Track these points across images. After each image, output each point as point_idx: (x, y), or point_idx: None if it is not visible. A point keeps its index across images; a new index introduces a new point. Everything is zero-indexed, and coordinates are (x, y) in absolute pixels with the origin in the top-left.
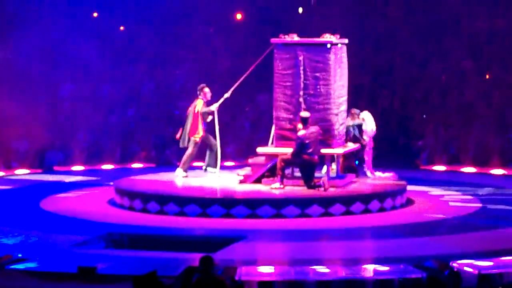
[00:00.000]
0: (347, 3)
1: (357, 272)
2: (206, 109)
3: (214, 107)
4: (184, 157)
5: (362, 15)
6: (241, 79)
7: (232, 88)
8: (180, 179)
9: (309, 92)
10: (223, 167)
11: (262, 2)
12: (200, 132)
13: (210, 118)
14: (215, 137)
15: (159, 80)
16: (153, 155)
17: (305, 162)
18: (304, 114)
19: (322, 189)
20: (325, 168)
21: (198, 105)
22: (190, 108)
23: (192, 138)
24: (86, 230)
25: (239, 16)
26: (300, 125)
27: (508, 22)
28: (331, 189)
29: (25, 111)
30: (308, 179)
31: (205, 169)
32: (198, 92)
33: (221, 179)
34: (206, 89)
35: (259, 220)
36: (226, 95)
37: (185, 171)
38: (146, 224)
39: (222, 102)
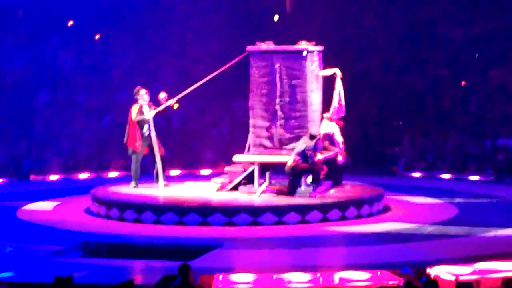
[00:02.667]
0: (323, 11)
1: (334, 279)
2: (140, 118)
3: (150, 115)
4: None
5: (339, 23)
6: (195, 86)
7: (178, 96)
8: (135, 190)
9: (286, 99)
10: (199, 175)
11: (239, 9)
12: (138, 140)
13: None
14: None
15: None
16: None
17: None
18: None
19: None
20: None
21: (134, 111)
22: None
23: (130, 148)
24: (63, 239)
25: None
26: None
27: (484, 30)
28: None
29: (0, 119)
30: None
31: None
32: (135, 97)
33: (198, 187)
34: (142, 91)
35: (236, 228)
36: (171, 101)
37: (135, 182)
38: (123, 232)
39: (165, 109)
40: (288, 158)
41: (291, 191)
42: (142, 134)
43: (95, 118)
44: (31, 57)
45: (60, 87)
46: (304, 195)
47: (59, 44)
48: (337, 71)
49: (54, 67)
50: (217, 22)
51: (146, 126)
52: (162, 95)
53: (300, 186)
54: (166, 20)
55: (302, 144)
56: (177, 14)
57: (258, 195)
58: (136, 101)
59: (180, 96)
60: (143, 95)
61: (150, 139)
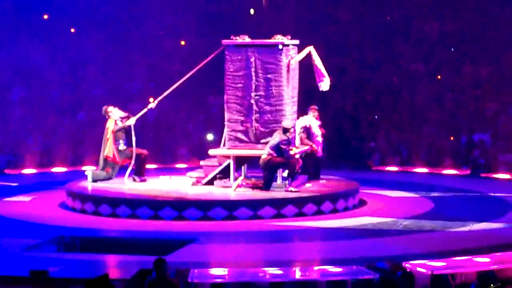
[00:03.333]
0: (298, 5)
1: (309, 273)
2: (120, 126)
3: (131, 121)
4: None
5: (314, 18)
6: (176, 85)
7: (159, 98)
8: (111, 184)
9: (261, 93)
10: (174, 169)
11: (213, 3)
12: (116, 154)
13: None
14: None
15: (110, 83)
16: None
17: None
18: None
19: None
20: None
21: (110, 125)
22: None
23: (110, 162)
24: (38, 234)
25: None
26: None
27: (458, 24)
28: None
29: None
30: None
31: (133, 179)
32: (105, 116)
33: (173, 181)
34: (110, 109)
35: (211, 222)
36: (151, 104)
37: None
38: (98, 227)
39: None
40: (263, 152)
41: (266, 185)
42: (118, 149)
43: (69, 114)
44: (4, 52)
45: (34, 83)
46: (280, 189)
47: (32, 40)
48: (310, 48)
49: (27, 63)
50: (191, 17)
51: (122, 142)
52: (109, 109)
53: (275, 180)
54: (140, 15)
55: (276, 138)
56: (151, 8)
57: (233, 189)
58: (107, 120)
59: (161, 98)
60: (111, 112)
61: (128, 151)
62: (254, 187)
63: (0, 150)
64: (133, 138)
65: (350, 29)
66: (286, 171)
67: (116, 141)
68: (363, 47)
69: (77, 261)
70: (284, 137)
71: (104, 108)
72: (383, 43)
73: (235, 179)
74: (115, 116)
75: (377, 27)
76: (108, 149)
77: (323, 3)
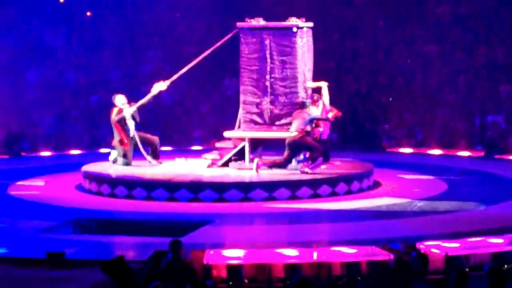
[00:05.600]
0: None
1: (324, 254)
2: (118, 117)
3: (128, 111)
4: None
5: (328, 0)
6: (188, 67)
7: (172, 79)
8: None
9: (276, 76)
10: (190, 151)
11: None
12: (125, 140)
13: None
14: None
15: (126, 66)
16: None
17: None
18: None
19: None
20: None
21: (113, 113)
22: None
23: (119, 148)
24: (54, 216)
25: None
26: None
27: (471, 7)
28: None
29: None
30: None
31: (149, 162)
32: (114, 103)
33: (188, 163)
34: (117, 97)
35: (227, 204)
36: (160, 88)
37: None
38: (114, 209)
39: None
40: (278, 134)
41: (285, 163)
42: (128, 135)
43: (84, 96)
44: (19, 35)
45: (49, 65)
46: (295, 171)
47: (47, 23)
48: (323, 84)
49: (42, 45)
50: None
51: (131, 129)
52: (114, 98)
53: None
54: None
55: (306, 114)
56: None
57: (254, 170)
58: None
59: (173, 78)
60: (119, 101)
61: (139, 137)
62: (271, 165)
63: (17, 133)
64: (132, 128)
65: (364, 10)
66: (302, 156)
67: (123, 129)
68: (376, 29)
69: (93, 242)
70: (312, 113)
71: (113, 96)
72: (396, 25)
73: (251, 160)
74: (119, 103)
75: (391, 8)
76: (115, 139)
77: None
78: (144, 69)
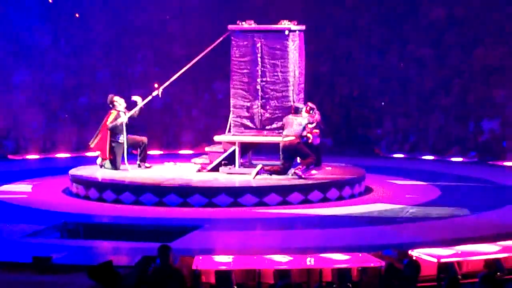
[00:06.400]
0: None
1: (315, 261)
2: (113, 124)
3: (124, 118)
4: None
5: (321, 2)
6: (181, 72)
7: (164, 86)
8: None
9: (267, 79)
10: (179, 156)
11: None
12: (107, 148)
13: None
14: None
15: (115, 67)
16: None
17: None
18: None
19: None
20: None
21: (110, 117)
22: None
23: (99, 157)
24: (41, 220)
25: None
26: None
27: (467, 9)
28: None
29: None
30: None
31: (139, 165)
32: (109, 105)
33: (178, 167)
34: (117, 98)
35: (216, 209)
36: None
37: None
38: (101, 213)
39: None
40: (271, 139)
41: (285, 170)
42: (115, 141)
43: (72, 98)
44: (6, 35)
45: (38, 66)
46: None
47: (38, 22)
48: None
49: (30, 46)
50: (196, 1)
51: (122, 136)
52: (115, 99)
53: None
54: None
55: (301, 119)
56: None
57: (252, 177)
58: (111, 109)
59: (165, 85)
60: (118, 101)
61: (130, 140)
62: (272, 172)
63: (3, 135)
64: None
65: (357, 12)
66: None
67: (113, 135)
68: (370, 31)
69: (81, 247)
70: (309, 117)
71: (110, 96)
72: (390, 27)
73: (240, 165)
74: (120, 107)
75: (385, 11)
76: (98, 142)
77: None
78: (133, 70)
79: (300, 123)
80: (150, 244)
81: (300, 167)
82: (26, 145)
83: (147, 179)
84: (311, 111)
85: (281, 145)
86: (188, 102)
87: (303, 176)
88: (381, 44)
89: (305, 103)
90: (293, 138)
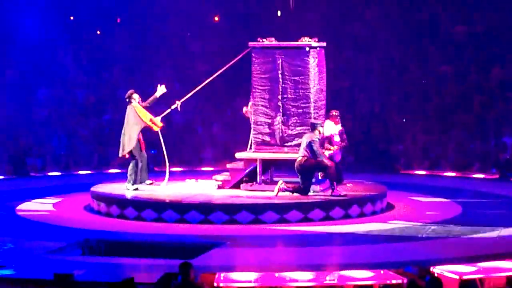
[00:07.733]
0: (325, 7)
1: (337, 278)
2: (155, 119)
3: (159, 122)
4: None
5: (341, 19)
6: (201, 86)
7: (184, 98)
8: (134, 192)
9: (288, 96)
10: (200, 172)
11: (240, 5)
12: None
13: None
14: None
15: (136, 84)
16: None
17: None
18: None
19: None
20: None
21: (142, 113)
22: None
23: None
24: (63, 237)
25: (216, 19)
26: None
27: (486, 26)
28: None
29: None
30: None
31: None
32: (128, 100)
33: (199, 184)
34: (135, 95)
35: (237, 226)
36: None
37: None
38: (123, 230)
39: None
40: (289, 155)
41: (305, 189)
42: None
43: (94, 115)
44: (30, 53)
45: (60, 84)
46: (317, 193)
47: (59, 40)
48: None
49: (52, 64)
50: (218, 18)
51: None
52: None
53: (312, 183)
54: (166, 16)
55: (306, 137)
56: (177, 10)
57: (275, 193)
58: (129, 103)
59: (186, 98)
60: (135, 98)
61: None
62: (294, 190)
63: (25, 152)
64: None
65: (377, 29)
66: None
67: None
68: (391, 47)
69: (102, 264)
70: (315, 136)
71: (130, 92)
72: (411, 44)
73: (262, 182)
74: (135, 103)
75: (405, 27)
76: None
77: (350, 2)
78: (155, 88)
79: (307, 141)
80: (172, 261)
81: (327, 190)
82: (48, 162)
83: (169, 196)
84: (336, 119)
85: (295, 166)
86: (209, 118)
87: (341, 194)
88: (400, 60)
89: (324, 120)
90: (300, 158)
